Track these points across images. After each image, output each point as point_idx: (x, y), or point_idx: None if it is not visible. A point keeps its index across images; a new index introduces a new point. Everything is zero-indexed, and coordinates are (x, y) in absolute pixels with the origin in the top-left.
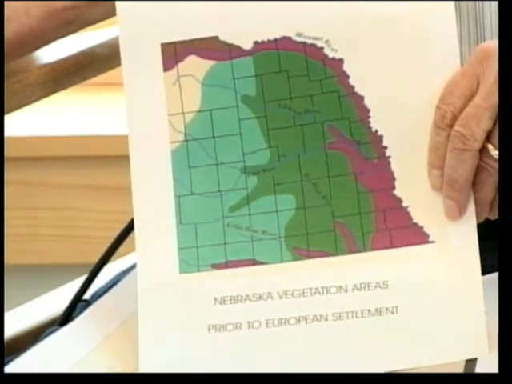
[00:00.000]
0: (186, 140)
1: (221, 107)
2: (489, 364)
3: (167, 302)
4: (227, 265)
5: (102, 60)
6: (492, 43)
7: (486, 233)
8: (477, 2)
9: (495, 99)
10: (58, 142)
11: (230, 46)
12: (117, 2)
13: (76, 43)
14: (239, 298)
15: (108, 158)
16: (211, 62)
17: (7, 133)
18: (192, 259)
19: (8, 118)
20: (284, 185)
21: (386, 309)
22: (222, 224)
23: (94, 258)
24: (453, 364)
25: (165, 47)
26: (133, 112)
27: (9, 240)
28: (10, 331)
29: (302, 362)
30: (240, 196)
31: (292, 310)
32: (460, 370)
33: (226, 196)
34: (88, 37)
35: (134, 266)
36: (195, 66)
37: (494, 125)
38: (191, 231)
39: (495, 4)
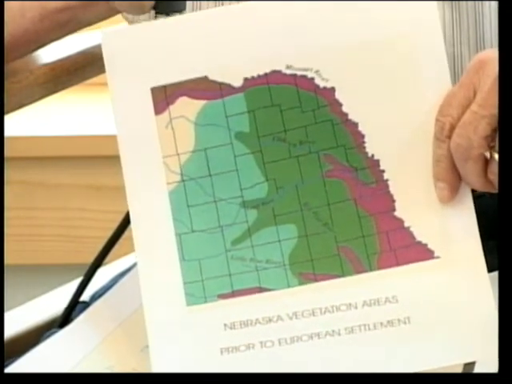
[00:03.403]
0: (183, 180)
1: (215, 145)
2: (488, 364)
3: (177, 332)
4: (233, 294)
5: (102, 60)
6: (489, 52)
7: (486, 233)
8: (476, 2)
9: (492, 105)
10: (58, 142)
11: (221, 84)
12: (103, 50)
13: (76, 43)
14: (249, 322)
15: (108, 158)
16: (202, 102)
17: (7, 133)
18: (198, 292)
19: (8, 118)
20: (284, 215)
21: (398, 320)
22: (225, 257)
23: None
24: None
25: (155, 91)
26: (127, 157)
27: (8, 240)
28: (10, 331)
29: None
30: (241, 229)
31: (304, 328)
32: (459, 370)
33: (227, 230)
34: (87, 37)
35: (131, 268)
36: (187, 107)
37: (494, 130)
38: (195, 266)
39: (495, 4)
